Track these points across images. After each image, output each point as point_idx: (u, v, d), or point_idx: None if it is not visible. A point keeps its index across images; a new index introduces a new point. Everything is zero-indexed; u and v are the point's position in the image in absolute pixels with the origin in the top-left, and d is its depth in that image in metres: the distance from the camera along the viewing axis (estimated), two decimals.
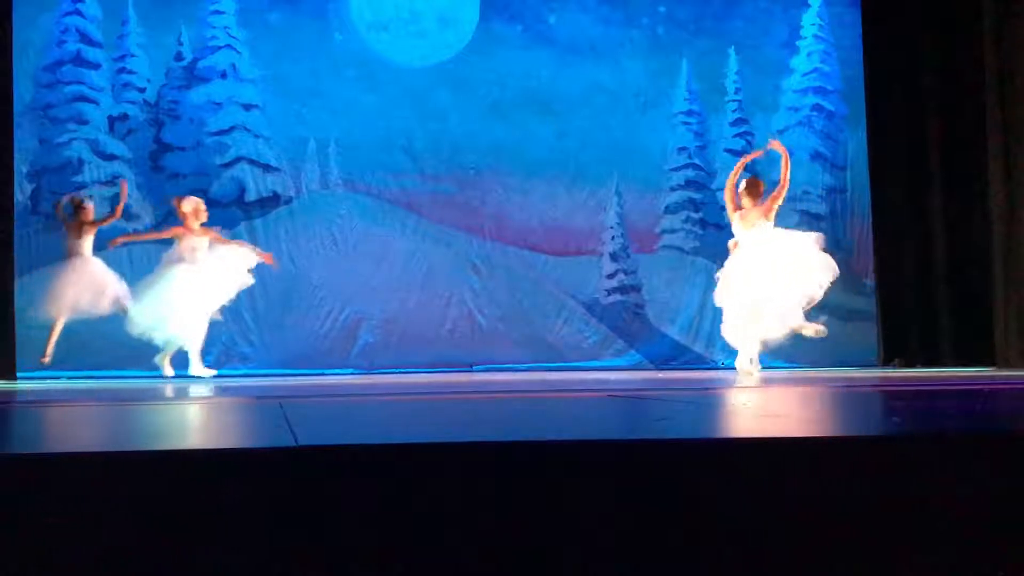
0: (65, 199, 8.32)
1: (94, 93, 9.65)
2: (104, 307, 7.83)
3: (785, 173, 7.42)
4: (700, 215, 10.52)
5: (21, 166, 9.30)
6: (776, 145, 7.77)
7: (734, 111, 10.84)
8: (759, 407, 3.14)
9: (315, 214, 9.77)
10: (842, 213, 10.91)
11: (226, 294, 7.84)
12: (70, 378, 8.47)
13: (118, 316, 7.93)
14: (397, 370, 9.35)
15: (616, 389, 4.79)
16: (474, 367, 9.79)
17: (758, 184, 7.54)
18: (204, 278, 7.75)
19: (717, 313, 10.50)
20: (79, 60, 9.62)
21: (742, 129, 10.85)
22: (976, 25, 9.17)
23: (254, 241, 9.38)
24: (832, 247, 10.94)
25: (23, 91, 9.34)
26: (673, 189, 10.59)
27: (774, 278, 7.05)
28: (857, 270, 10.84)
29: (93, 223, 8.06)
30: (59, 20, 9.62)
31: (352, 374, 9.11)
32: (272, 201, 9.89)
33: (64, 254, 8.01)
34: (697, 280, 10.27)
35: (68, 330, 9.18)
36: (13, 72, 9.10)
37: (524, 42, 10.48)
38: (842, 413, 2.98)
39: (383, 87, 10.16)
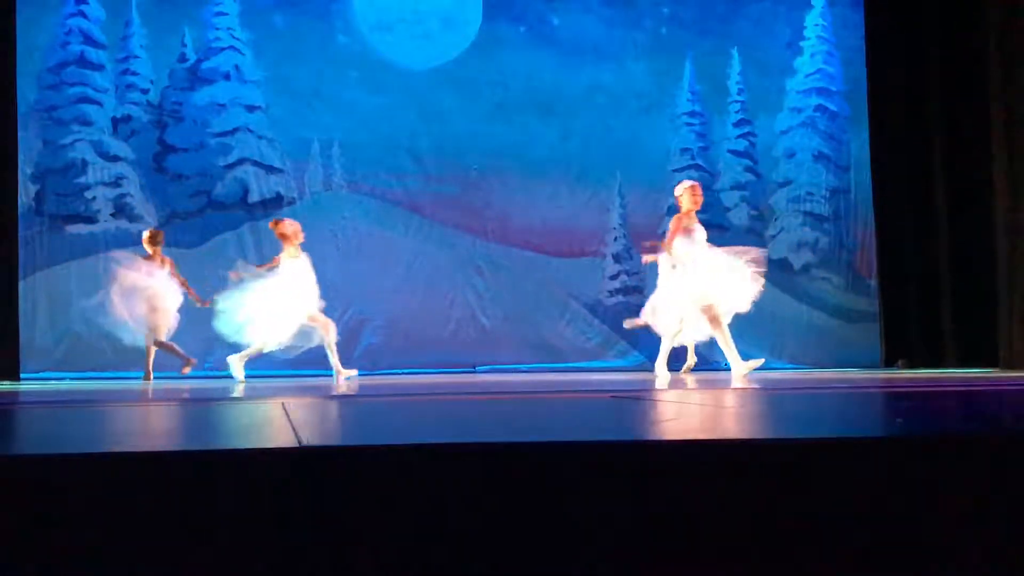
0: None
1: (98, 95, 9.67)
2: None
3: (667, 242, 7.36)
4: (703, 216, 10.51)
5: (25, 167, 9.33)
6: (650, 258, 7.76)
7: (737, 112, 10.84)
8: (762, 409, 3.15)
9: (318, 215, 9.78)
10: (845, 214, 10.91)
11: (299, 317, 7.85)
12: (73, 379, 8.49)
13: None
14: (400, 371, 9.36)
15: (619, 390, 4.79)
16: (477, 368, 9.79)
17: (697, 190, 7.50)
18: (295, 293, 7.78)
19: None
20: (83, 62, 9.64)
21: (745, 130, 10.85)
22: (979, 26, 9.17)
23: (257, 242, 9.40)
24: (836, 248, 11.01)
25: (27, 92, 9.36)
26: None
27: (711, 287, 7.06)
28: (861, 271, 10.83)
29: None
30: (63, 22, 9.64)
31: (356, 375, 9.11)
32: (275, 202, 9.90)
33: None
34: None
35: (71, 333, 9.22)
36: (17, 74, 9.13)
37: (527, 43, 10.49)
38: (840, 414, 2.98)
39: (386, 88, 10.17)
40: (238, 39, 10.00)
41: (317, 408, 3.39)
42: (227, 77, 9.94)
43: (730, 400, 3.64)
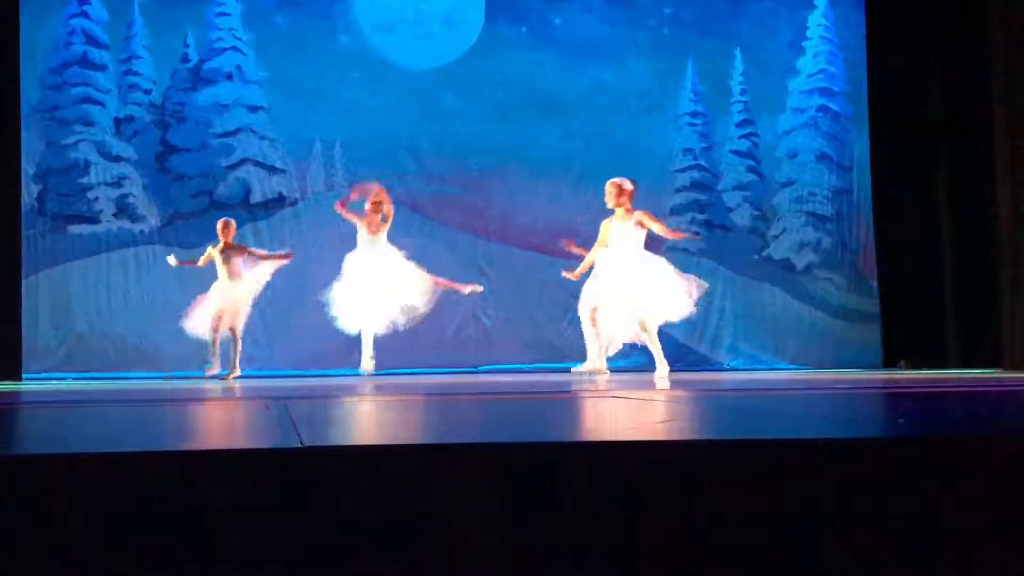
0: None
1: (100, 95, 9.67)
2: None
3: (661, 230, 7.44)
4: (705, 216, 10.51)
5: (28, 167, 9.33)
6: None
7: (739, 112, 10.82)
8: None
9: (320, 215, 9.76)
10: (847, 214, 10.89)
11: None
12: (75, 380, 8.49)
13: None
14: (402, 371, 9.35)
15: (620, 391, 4.79)
16: (479, 368, 9.78)
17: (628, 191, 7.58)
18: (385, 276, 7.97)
19: (722, 315, 10.54)
20: (85, 62, 9.64)
21: (748, 130, 10.84)
22: (981, 26, 9.16)
23: (259, 243, 9.40)
24: (838, 248, 10.99)
25: (30, 93, 9.37)
26: (678, 190, 10.57)
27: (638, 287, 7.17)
28: (863, 271, 10.82)
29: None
30: (65, 22, 9.64)
31: (358, 376, 9.11)
32: (277, 202, 9.90)
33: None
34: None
35: (73, 333, 9.23)
36: (20, 74, 9.14)
37: (529, 43, 10.48)
38: (841, 415, 2.98)
39: (388, 89, 10.16)
40: (240, 39, 10.00)
41: (318, 408, 3.40)
42: (229, 77, 9.94)
43: (727, 400, 3.64)
